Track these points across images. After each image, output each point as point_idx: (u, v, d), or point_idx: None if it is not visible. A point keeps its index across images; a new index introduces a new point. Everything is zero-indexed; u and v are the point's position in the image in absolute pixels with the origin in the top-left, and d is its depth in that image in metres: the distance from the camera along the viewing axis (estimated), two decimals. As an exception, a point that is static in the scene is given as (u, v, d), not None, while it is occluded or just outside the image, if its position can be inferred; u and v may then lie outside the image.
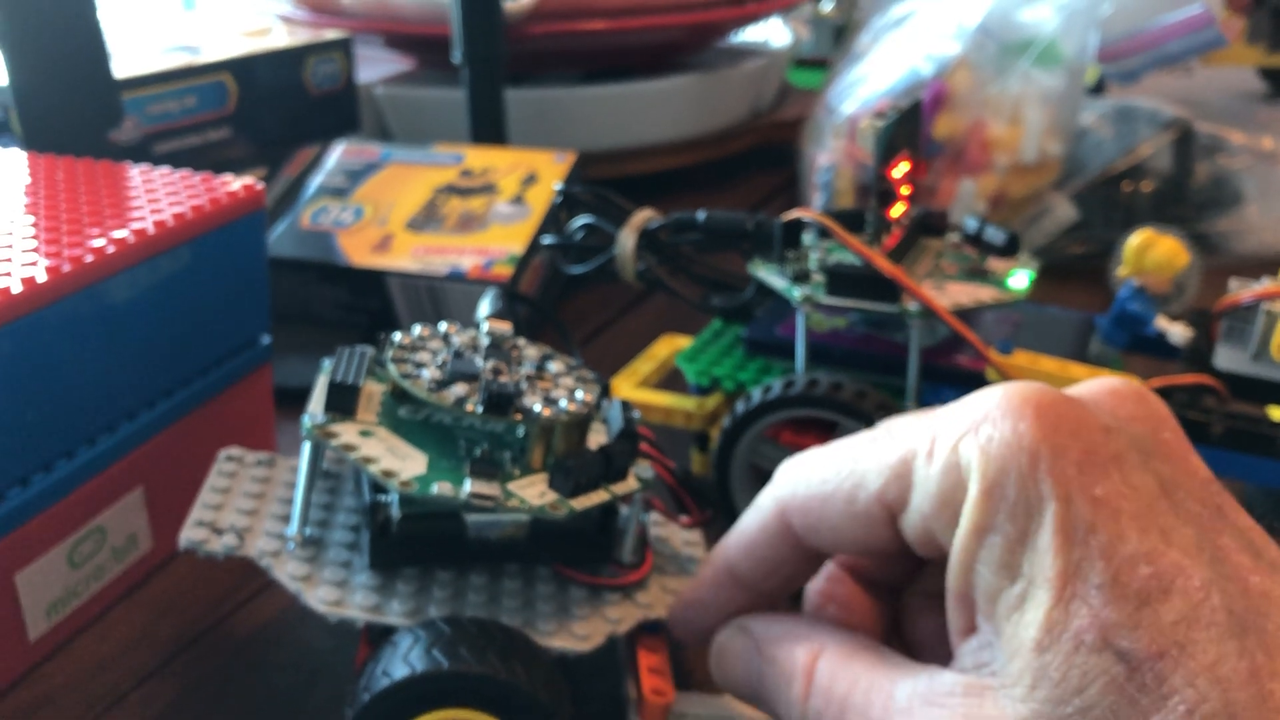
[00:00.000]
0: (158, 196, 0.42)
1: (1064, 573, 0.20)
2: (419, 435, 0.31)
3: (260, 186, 0.44)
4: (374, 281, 0.57)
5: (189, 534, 0.32)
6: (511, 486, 0.30)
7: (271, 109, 0.68)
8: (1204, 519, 0.21)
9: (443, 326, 0.35)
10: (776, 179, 0.86)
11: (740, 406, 0.39)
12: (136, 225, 0.39)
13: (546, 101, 0.77)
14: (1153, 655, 0.19)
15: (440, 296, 0.56)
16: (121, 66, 0.59)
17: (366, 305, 0.58)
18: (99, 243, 0.37)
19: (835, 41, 1.16)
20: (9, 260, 0.36)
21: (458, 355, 0.33)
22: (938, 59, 0.68)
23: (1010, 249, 0.42)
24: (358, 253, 0.58)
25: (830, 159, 0.70)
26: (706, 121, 0.84)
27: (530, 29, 0.73)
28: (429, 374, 0.32)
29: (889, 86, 0.68)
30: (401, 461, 0.30)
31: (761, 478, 0.41)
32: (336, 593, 0.30)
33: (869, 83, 0.70)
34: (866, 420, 0.37)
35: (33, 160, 0.46)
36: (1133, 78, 0.70)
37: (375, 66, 0.85)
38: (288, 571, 0.31)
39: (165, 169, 0.45)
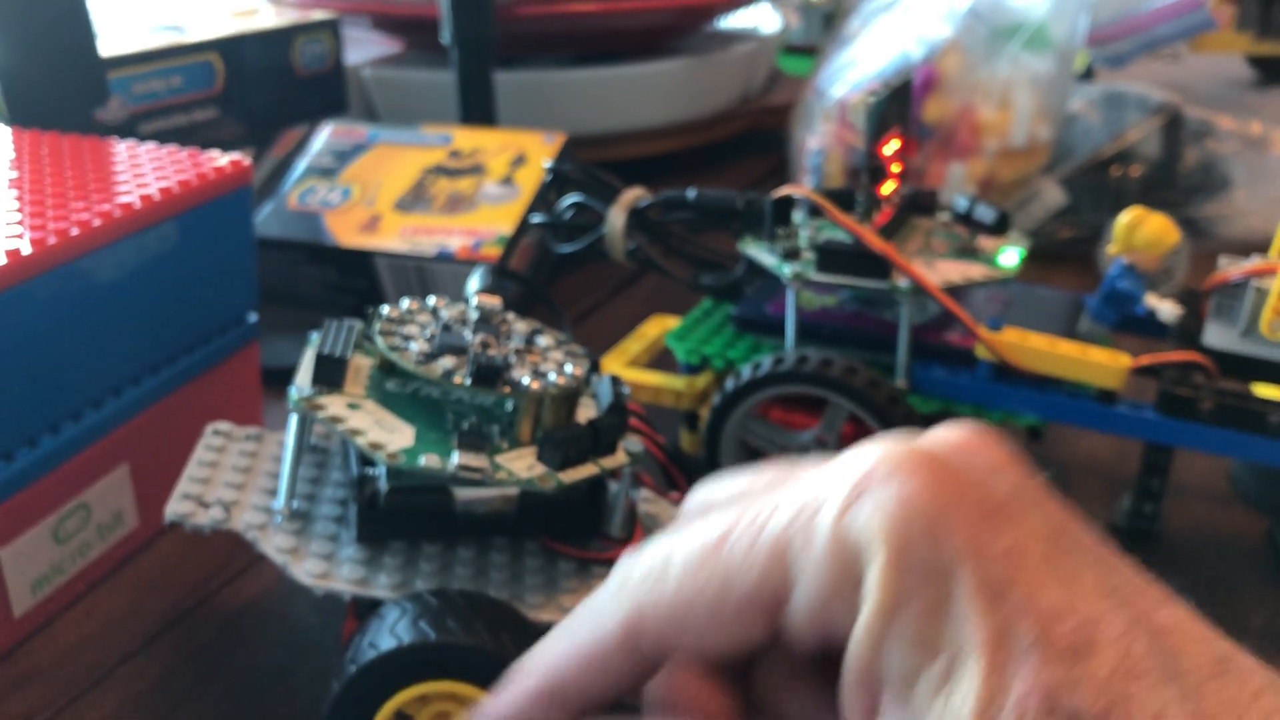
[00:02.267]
0: (144, 171, 0.41)
1: (993, 636, 0.18)
2: (407, 408, 0.31)
3: (247, 162, 0.43)
4: (362, 262, 0.57)
5: (175, 507, 0.32)
6: (500, 459, 0.30)
7: (259, 89, 0.68)
8: (1094, 560, 0.20)
9: (431, 300, 0.34)
10: (766, 164, 0.86)
11: (730, 383, 0.39)
12: (123, 200, 0.38)
13: (536, 84, 0.77)
14: (1100, 713, 0.18)
15: (428, 277, 0.56)
16: (108, 45, 0.58)
17: (354, 286, 0.58)
18: (84, 217, 0.37)
19: (824, 28, 1.16)
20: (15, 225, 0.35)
21: (446, 328, 0.33)
22: (928, 42, 0.68)
23: (1000, 227, 0.42)
24: (345, 233, 0.57)
25: (820, 142, 0.69)
26: (696, 106, 0.84)
27: (519, 10, 0.72)
28: (417, 347, 0.31)
29: (879, 69, 0.68)
30: (389, 434, 0.30)
31: (750, 455, 0.41)
32: (323, 565, 0.30)
33: (859, 66, 0.69)
34: (856, 396, 0.37)
35: (17, 135, 0.46)
36: (1122, 62, 0.70)
37: (363, 48, 0.84)
38: (274, 544, 0.31)
39: (151, 144, 0.44)
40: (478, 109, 0.68)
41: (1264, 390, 0.37)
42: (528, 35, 0.77)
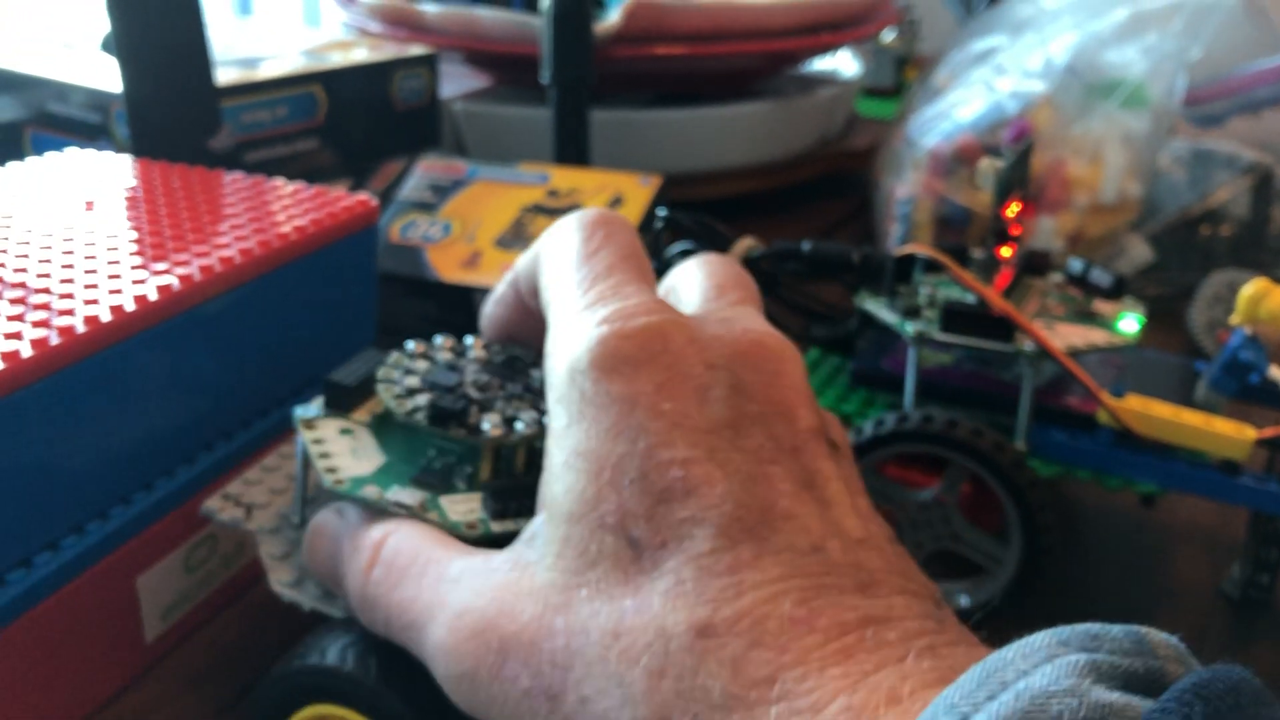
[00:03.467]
0: (274, 210, 0.42)
1: (607, 461, 0.23)
2: (396, 441, 0.32)
3: (375, 202, 0.44)
4: (463, 297, 0.57)
5: (210, 502, 0.34)
6: (445, 499, 0.30)
7: (358, 121, 0.69)
8: (765, 452, 0.23)
9: (469, 339, 0.35)
10: (845, 206, 0.86)
11: (856, 439, 0.39)
12: (256, 239, 0.39)
13: (623, 123, 0.78)
14: (655, 545, 0.22)
15: (527, 314, 0.57)
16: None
17: (453, 320, 0.58)
18: (222, 254, 0.38)
19: (897, 71, 1.17)
20: (146, 268, 0.36)
21: (447, 367, 0.33)
22: (1022, 96, 0.68)
23: (1116, 292, 0.43)
24: (447, 268, 0.58)
25: (909, 191, 0.70)
26: (777, 148, 0.84)
27: (612, 52, 0.73)
28: (408, 382, 0.32)
29: (970, 121, 0.69)
30: (356, 462, 0.30)
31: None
32: (297, 574, 0.31)
33: (950, 117, 0.70)
34: (980, 458, 0.37)
35: (145, 168, 0.47)
36: (1217, 122, 0.70)
37: (454, 82, 0.86)
38: (267, 549, 0.32)
39: (279, 180, 0.46)
40: (573, 148, 0.69)
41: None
42: (618, 75, 0.78)
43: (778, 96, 0.84)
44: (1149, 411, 0.38)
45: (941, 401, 0.41)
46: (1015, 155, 0.41)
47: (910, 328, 0.40)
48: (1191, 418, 0.38)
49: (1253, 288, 0.40)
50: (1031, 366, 0.39)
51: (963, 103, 0.70)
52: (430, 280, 0.58)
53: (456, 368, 0.33)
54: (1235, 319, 0.41)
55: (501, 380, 0.33)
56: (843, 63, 0.97)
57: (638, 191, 0.63)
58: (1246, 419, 0.39)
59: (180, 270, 0.36)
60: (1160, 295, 0.69)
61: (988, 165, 0.40)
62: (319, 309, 0.43)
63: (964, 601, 0.39)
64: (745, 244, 0.48)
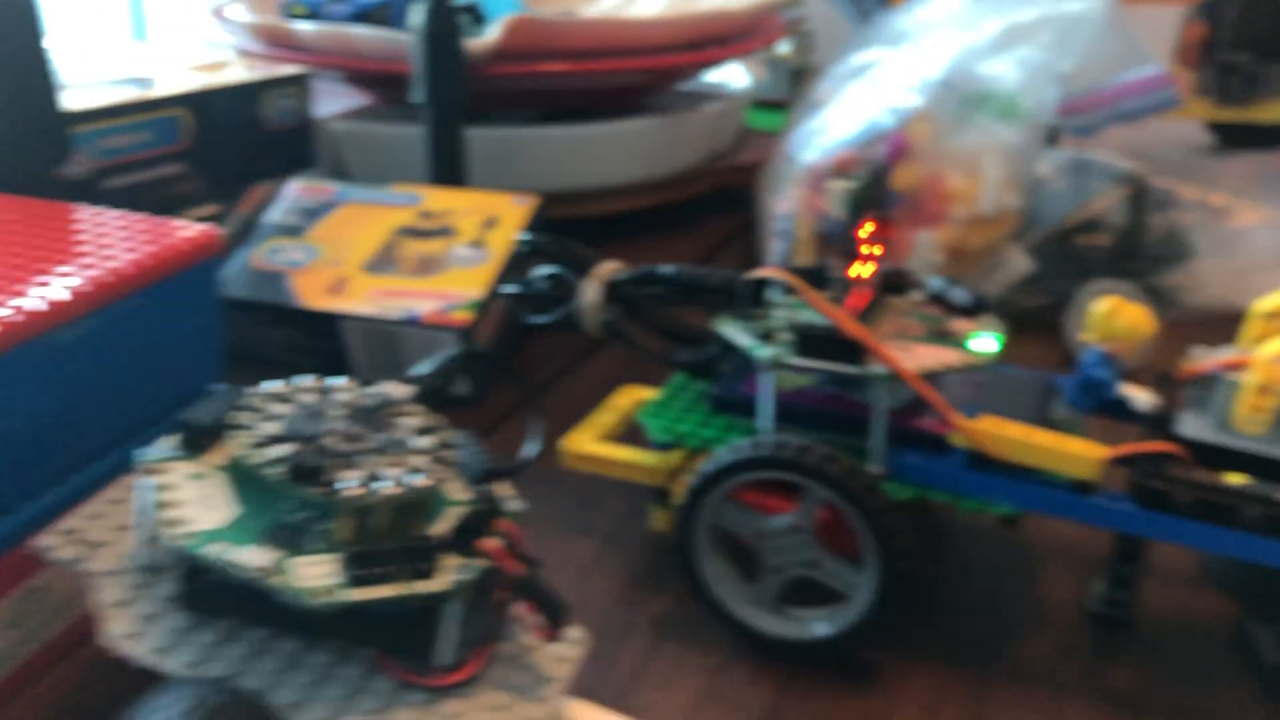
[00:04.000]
0: (111, 241, 0.41)
1: None
2: (254, 490, 0.30)
3: (219, 231, 0.42)
4: (327, 324, 0.56)
5: (45, 537, 0.31)
6: (300, 560, 0.28)
7: (227, 145, 0.67)
8: None
9: (332, 382, 0.33)
10: (733, 223, 0.86)
11: (710, 466, 0.39)
12: (89, 273, 0.38)
13: (505, 141, 0.77)
14: None
15: (395, 341, 0.55)
16: (74, 99, 0.57)
17: (320, 348, 0.57)
18: (51, 291, 0.36)
19: (792, 84, 1.17)
20: (-47, 309, 0.34)
21: (309, 414, 0.31)
22: (898, 110, 0.68)
23: (975, 310, 0.42)
24: (311, 294, 0.57)
25: (789, 207, 0.70)
26: (665, 164, 0.84)
27: (491, 69, 0.72)
28: (266, 429, 0.30)
29: (849, 136, 0.69)
30: (207, 513, 0.29)
31: (723, 539, 0.41)
32: (136, 626, 0.29)
33: (829, 132, 0.70)
34: (832, 484, 0.37)
35: (-21, 199, 0.45)
36: (1089, 132, 0.71)
37: (333, 101, 0.84)
38: (107, 594, 0.30)
39: (117, 211, 0.44)
40: (448, 168, 0.68)
41: (1236, 480, 0.37)
42: (498, 93, 0.76)
43: (665, 112, 0.84)
44: (1001, 432, 0.38)
45: (801, 425, 0.41)
46: (867, 177, 0.41)
47: (762, 352, 0.39)
48: (1042, 438, 0.38)
49: (1105, 304, 0.40)
50: (884, 389, 0.38)
51: (841, 117, 0.70)
52: (293, 307, 0.56)
53: (319, 414, 0.31)
54: (1089, 336, 0.41)
55: (368, 430, 0.31)
56: (733, 76, 0.97)
57: (512, 211, 0.61)
58: (1122, 436, 0.39)
59: (1, 312, 0.34)
60: (1040, 306, 0.70)
61: (837, 187, 0.39)
62: (158, 345, 0.41)
63: (824, 630, 0.39)
64: (609, 267, 0.47)
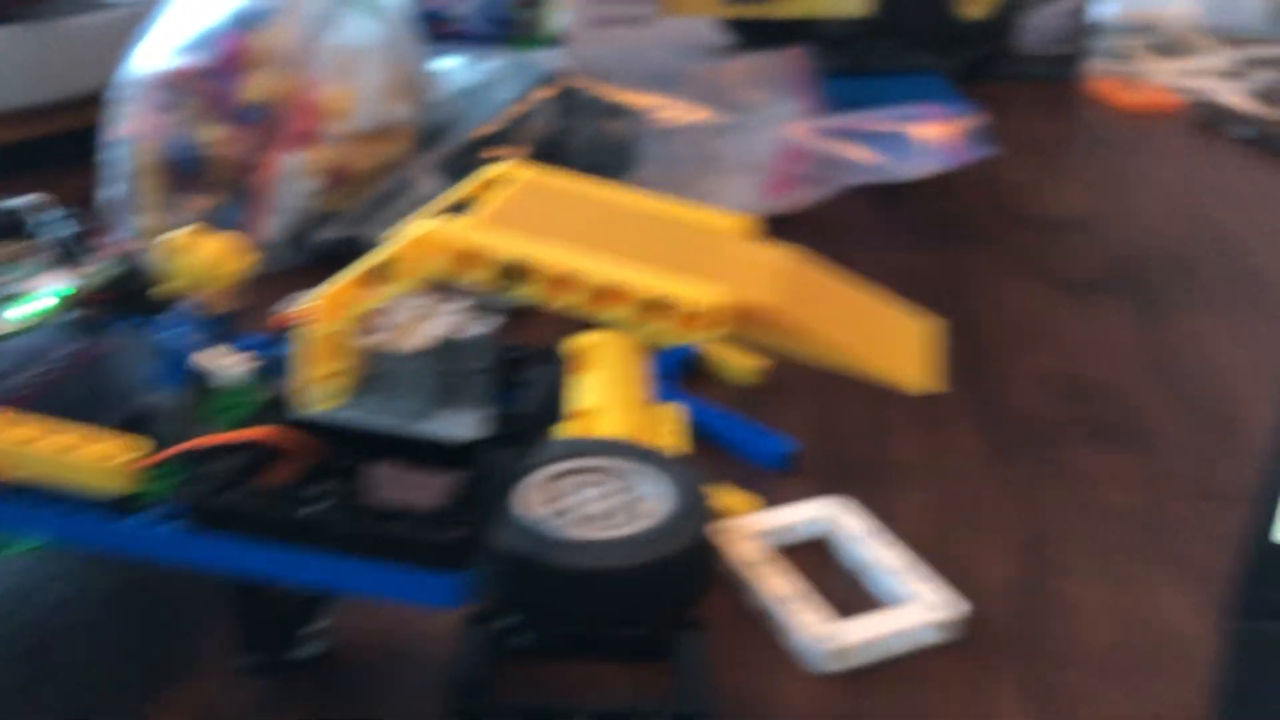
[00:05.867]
0: None
1: None
2: None
3: None
4: None
5: None
6: None
7: None
8: None
9: None
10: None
11: None
12: None
13: None
14: None
15: None
16: None
17: None
18: None
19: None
20: None
21: None
22: (244, 10, 0.56)
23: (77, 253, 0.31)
24: None
25: (129, 131, 0.56)
26: (47, 87, 0.69)
27: None
28: None
29: (185, 42, 0.56)
30: None
31: None
32: None
33: (169, 39, 0.57)
34: None
35: None
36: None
37: None
38: None
39: None
40: None
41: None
42: None
43: (40, 20, 0.68)
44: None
45: None
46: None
47: None
48: (53, 441, 0.26)
49: (178, 240, 0.29)
50: None
51: (182, 20, 0.57)
52: None
53: None
54: (176, 284, 0.29)
55: None
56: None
57: None
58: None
59: None
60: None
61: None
62: None
63: None
64: None
